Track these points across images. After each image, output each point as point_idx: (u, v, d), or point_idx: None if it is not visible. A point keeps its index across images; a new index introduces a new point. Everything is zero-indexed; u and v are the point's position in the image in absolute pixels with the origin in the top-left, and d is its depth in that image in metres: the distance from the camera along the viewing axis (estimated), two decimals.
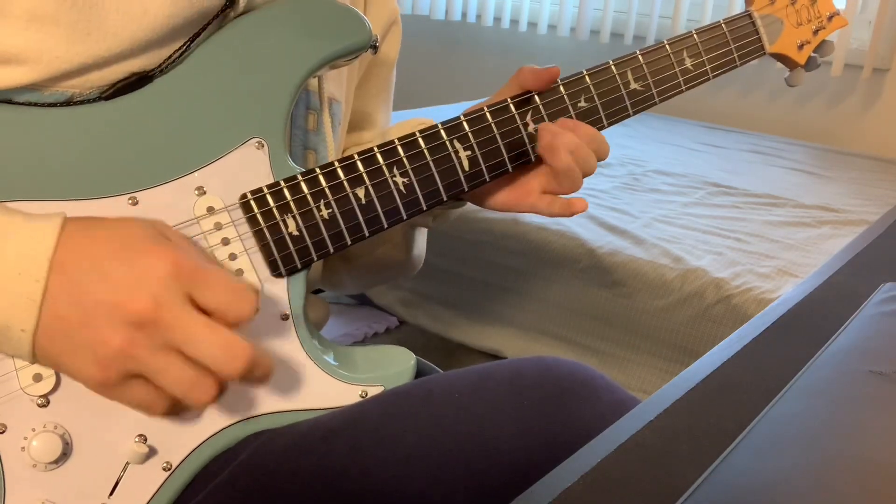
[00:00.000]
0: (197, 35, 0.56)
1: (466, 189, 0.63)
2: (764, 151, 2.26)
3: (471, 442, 0.55)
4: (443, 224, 0.76)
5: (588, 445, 0.42)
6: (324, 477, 0.55)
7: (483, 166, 0.63)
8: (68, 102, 0.53)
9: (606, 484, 0.39)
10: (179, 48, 0.56)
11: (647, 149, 2.22)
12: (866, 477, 0.40)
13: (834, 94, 2.43)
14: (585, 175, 0.65)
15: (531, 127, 0.65)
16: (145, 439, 0.54)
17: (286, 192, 0.57)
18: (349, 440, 0.56)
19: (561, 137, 0.63)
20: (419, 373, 0.63)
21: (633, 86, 0.67)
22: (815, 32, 0.76)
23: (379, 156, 0.60)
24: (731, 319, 1.36)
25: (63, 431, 0.52)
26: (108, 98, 0.54)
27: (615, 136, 2.29)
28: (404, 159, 0.61)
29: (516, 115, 0.64)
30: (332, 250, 0.59)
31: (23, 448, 0.52)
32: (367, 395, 0.60)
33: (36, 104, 0.53)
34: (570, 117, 0.65)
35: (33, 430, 0.52)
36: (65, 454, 0.52)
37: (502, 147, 0.64)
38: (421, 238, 0.80)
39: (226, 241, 0.56)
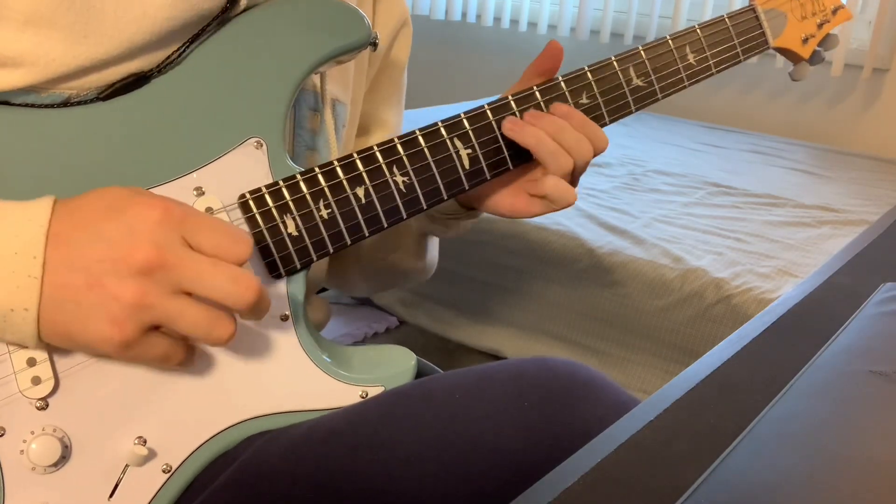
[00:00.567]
0: (196, 37, 0.56)
1: (468, 187, 0.63)
2: (764, 151, 2.26)
3: (471, 442, 0.55)
4: (456, 234, 0.76)
5: (588, 445, 0.42)
6: (324, 478, 0.55)
7: (484, 164, 0.63)
8: (65, 103, 0.53)
9: (606, 484, 0.39)
10: (178, 49, 0.56)
11: (647, 149, 2.22)
12: (866, 477, 0.40)
13: (834, 94, 2.43)
14: (579, 160, 0.63)
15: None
16: (145, 441, 0.54)
17: (285, 192, 0.57)
18: (349, 441, 0.56)
19: (535, 121, 0.62)
20: (419, 373, 0.63)
21: (636, 82, 0.67)
22: (820, 26, 0.75)
23: (379, 155, 0.60)
24: (731, 319, 1.36)
25: (62, 434, 0.52)
26: (105, 99, 0.54)
27: (615, 135, 2.29)
28: (404, 158, 0.60)
29: (518, 113, 0.64)
30: (331, 250, 0.59)
31: (22, 451, 0.51)
32: (367, 395, 0.60)
33: (33, 105, 0.53)
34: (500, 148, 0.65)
35: (32, 433, 0.52)
36: (64, 457, 0.52)
37: (503, 145, 0.64)
38: (434, 246, 0.80)
39: None
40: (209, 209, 0.56)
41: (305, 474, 0.55)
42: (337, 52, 0.59)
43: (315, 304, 0.73)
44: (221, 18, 0.57)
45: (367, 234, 0.60)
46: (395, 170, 0.60)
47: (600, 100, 0.66)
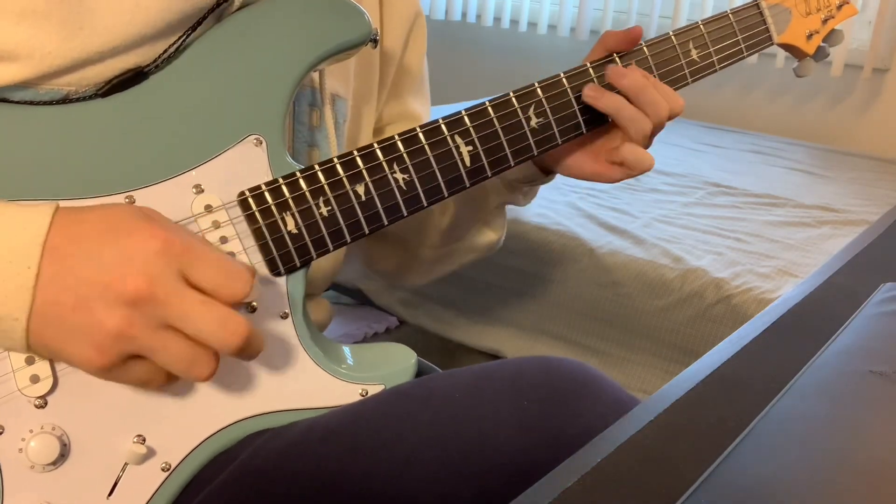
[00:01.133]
0: (192, 30, 0.56)
1: (468, 185, 0.63)
2: (764, 151, 2.26)
3: (471, 441, 0.55)
4: (531, 200, 0.78)
5: (588, 445, 0.42)
6: (323, 477, 0.55)
7: (485, 161, 0.63)
8: (64, 100, 0.53)
9: (606, 484, 0.39)
10: (174, 43, 0.55)
11: None
12: (866, 476, 0.40)
13: (834, 94, 2.43)
14: (655, 123, 0.65)
15: (534, 121, 0.64)
16: (144, 440, 0.54)
17: (285, 189, 0.57)
18: (349, 440, 0.56)
19: (616, 79, 0.64)
20: (419, 372, 0.63)
21: None
22: (824, 22, 0.75)
23: (379, 152, 0.60)
24: (731, 319, 1.36)
25: (61, 433, 0.52)
26: (103, 95, 0.54)
27: None
28: (404, 155, 0.60)
29: (518, 109, 0.64)
30: (331, 248, 0.59)
31: (21, 450, 0.51)
32: (367, 393, 0.60)
33: (32, 102, 0.52)
34: (573, 112, 0.65)
35: (31, 431, 0.52)
36: (63, 455, 0.52)
37: (504, 141, 0.63)
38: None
39: (224, 240, 0.56)
40: (208, 206, 0.56)
41: (305, 473, 0.55)
42: (337, 48, 0.59)
43: (316, 306, 0.73)
44: (218, 11, 0.57)
45: (367, 232, 0.60)
46: (395, 167, 0.60)
47: None
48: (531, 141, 0.64)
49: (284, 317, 0.58)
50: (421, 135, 0.61)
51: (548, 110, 0.64)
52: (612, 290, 1.50)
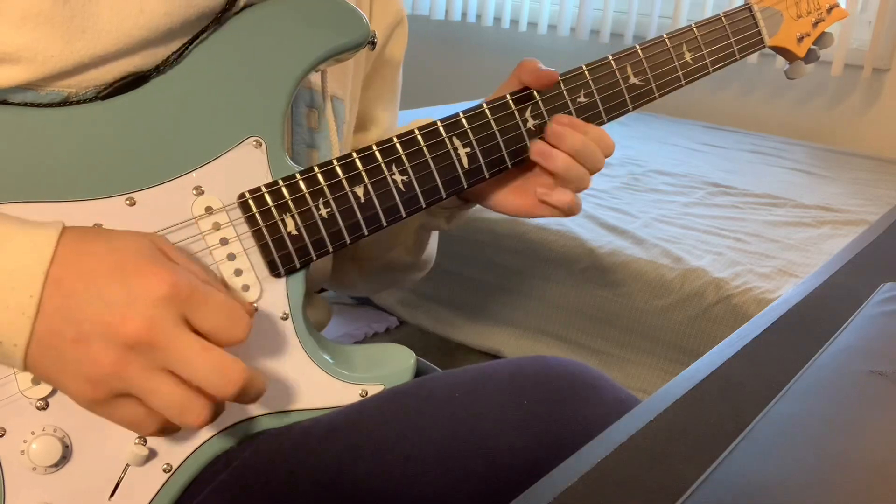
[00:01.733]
0: (196, 38, 0.56)
1: (466, 186, 0.63)
2: (764, 151, 2.26)
3: (471, 441, 0.55)
4: (456, 227, 0.76)
5: (588, 445, 0.42)
6: (323, 477, 0.55)
7: (482, 163, 0.63)
8: (65, 103, 0.53)
9: (607, 484, 0.39)
10: (178, 50, 0.56)
11: (647, 149, 2.22)
12: (866, 476, 0.40)
13: (834, 94, 2.43)
14: (594, 171, 0.65)
15: (531, 123, 0.64)
16: (145, 441, 0.54)
17: (284, 191, 0.57)
18: (348, 440, 0.56)
19: (558, 143, 0.63)
20: (419, 372, 0.63)
21: (633, 80, 0.67)
22: (815, 24, 0.76)
23: (378, 154, 0.60)
24: (731, 319, 1.36)
25: (62, 434, 0.52)
26: (104, 98, 0.54)
27: (615, 135, 2.27)
28: (403, 157, 0.60)
29: (515, 112, 0.64)
30: (330, 249, 0.59)
31: (22, 451, 0.51)
32: (367, 394, 0.60)
33: (32, 104, 0.52)
34: (570, 113, 0.65)
35: (33, 433, 0.52)
36: (64, 457, 0.52)
37: (501, 144, 0.64)
38: (433, 241, 0.80)
39: (224, 241, 0.56)
40: (209, 208, 0.56)
41: (305, 473, 0.55)
42: (335, 51, 0.59)
43: (316, 305, 0.73)
44: (220, 17, 0.57)
45: (366, 233, 0.60)
46: (393, 168, 0.60)
47: (598, 97, 0.66)
48: (527, 142, 0.64)
49: (284, 318, 0.58)
50: (419, 137, 0.61)
51: (544, 112, 0.65)
52: (612, 290, 1.50)
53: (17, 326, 0.46)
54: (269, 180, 0.57)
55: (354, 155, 0.59)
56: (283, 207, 0.57)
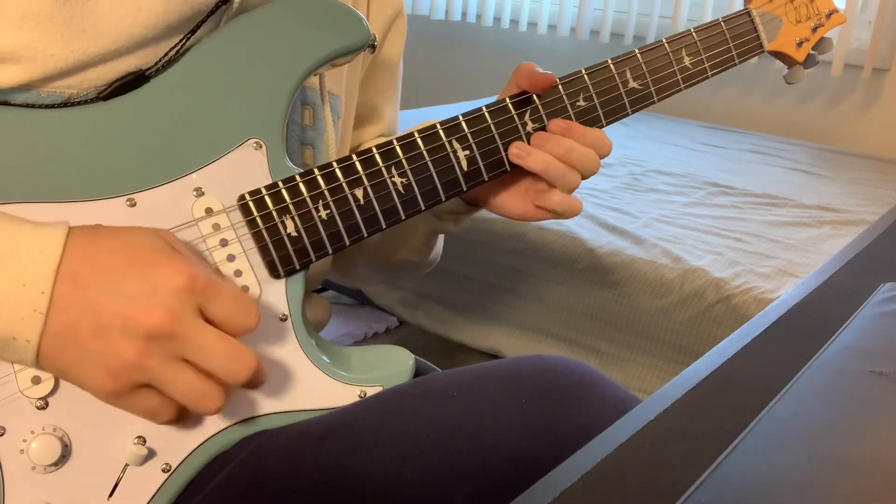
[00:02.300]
0: (192, 32, 0.56)
1: (465, 189, 0.63)
2: (764, 151, 2.26)
3: (470, 441, 0.55)
4: (464, 228, 0.76)
5: (588, 445, 0.42)
6: (322, 477, 0.55)
7: (481, 166, 0.63)
8: (66, 103, 0.53)
9: (607, 483, 0.39)
10: (175, 46, 0.56)
11: (647, 149, 2.22)
12: (866, 477, 0.40)
13: (834, 94, 2.43)
14: (587, 173, 0.64)
15: (530, 126, 0.64)
16: (144, 441, 0.54)
17: (284, 193, 0.57)
18: (347, 440, 0.56)
19: (541, 144, 0.63)
20: (418, 372, 0.63)
21: (632, 84, 0.67)
22: (814, 30, 0.76)
23: (377, 156, 0.60)
24: (731, 319, 1.36)
25: (62, 434, 0.52)
26: (105, 98, 0.54)
27: (615, 135, 2.29)
28: (403, 160, 0.61)
29: (515, 115, 0.64)
30: (330, 251, 0.59)
31: (22, 451, 0.52)
32: (365, 395, 0.60)
33: (33, 105, 0.53)
34: (569, 117, 0.65)
35: (32, 432, 0.52)
36: (64, 456, 0.52)
37: (501, 147, 0.64)
38: (439, 241, 0.80)
39: (224, 243, 0.56)
40: (209, 209, 0.56)
41: (303, 473, 0.55)
42: (336, 53, 0.59)
43: (315, 305, 0.73)
44: (217, 14, 0.57)
45: (365, 235, 0.60)
46: (393, 171, 0.60)
47: (597, 101, 0.66)
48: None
49: (283, 319, 0.58)
50: (419, 139, 0.61)
51: (544, 116, 0.65)
52: (612, 290, 1.50)
53: (29, 323, 0.46)
54: (269, 182, 0.57)
55: (354, 157, 0.59)
56: (282, 209, 0.57)
